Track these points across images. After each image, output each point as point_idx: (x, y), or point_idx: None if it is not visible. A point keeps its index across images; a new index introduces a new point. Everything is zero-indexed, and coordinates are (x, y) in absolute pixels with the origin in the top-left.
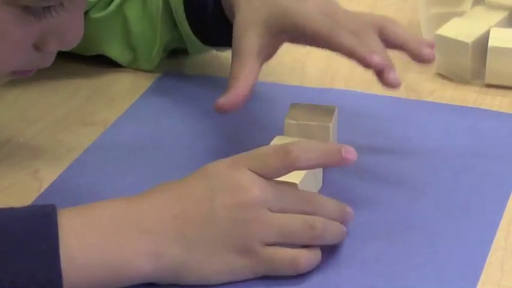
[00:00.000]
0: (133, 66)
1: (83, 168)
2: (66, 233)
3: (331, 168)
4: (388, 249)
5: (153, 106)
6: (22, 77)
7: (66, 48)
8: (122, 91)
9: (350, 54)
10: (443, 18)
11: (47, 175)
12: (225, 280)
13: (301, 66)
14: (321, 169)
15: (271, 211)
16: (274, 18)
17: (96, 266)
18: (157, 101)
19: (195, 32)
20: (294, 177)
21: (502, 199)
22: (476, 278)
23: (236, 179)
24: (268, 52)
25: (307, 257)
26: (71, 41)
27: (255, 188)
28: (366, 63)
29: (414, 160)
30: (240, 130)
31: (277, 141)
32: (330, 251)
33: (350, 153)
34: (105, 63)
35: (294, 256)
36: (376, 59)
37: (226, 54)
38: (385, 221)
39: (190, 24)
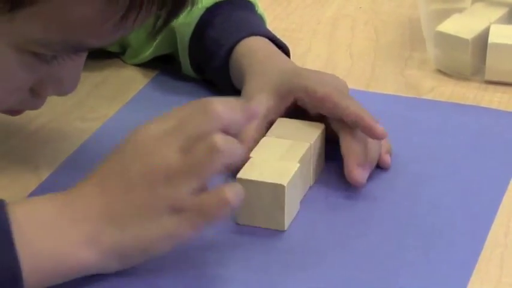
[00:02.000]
0: (119, 55)
1: (80, 162)
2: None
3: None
4: (380, 246)
5: (151, 101)
6: (11, 115)
7: (60, 95)
8: (122, 87)
9: (356, 121)
10: (443, 15)
11: (47, 171)
12: (168, 246)
13: (301, 64)
14: (309, 169)
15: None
16: (286, 79)
17: (43, 256)
18: (155, 95)
19: (194, 68)
20: (282, 178)
21: (497, 196)
22: (467, 276)
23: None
24: (275, 114)
25: (232, 191)
26: (68, 88)
27: (168, 153)
28: (371, 132)
29: (411, 157)
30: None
31: (262, 144)
32: (322, 246)
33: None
34: (105, 59)
35: (220, 193)
36: (381, 128)
37: None
38: (379, 217)
39: (191, 61)
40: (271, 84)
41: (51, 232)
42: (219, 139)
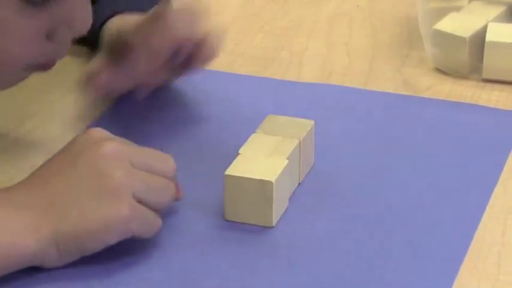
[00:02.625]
0: None
1: None
2: None
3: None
4: (368, 242)
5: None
6: (43, 71)
7: (76, 35)
8: None
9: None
10: (441, 13)
11: None
12: (107, 236)
13: (298, 61)
14: (298, 166)
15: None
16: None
17: None
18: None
19: None
20: (270, 174)
21: (485, 194)
22: (454, 272)
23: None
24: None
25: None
26: (80, 28)
27: (112, 142)
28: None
29: (402, 154)
30: (231, 122)
31: (251, 140)
32: (309, 242)
33: None
34: None
35: (165, 185)
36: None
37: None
38: (366, 214)
39: None
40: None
41: None
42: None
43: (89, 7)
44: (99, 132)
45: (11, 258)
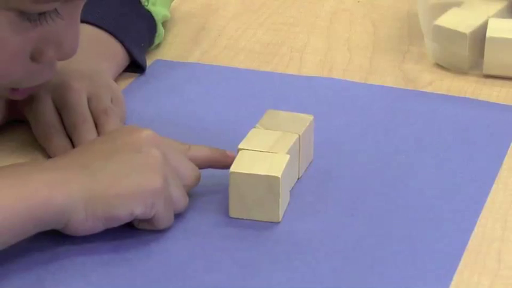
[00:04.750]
0: None
1: None
2: None
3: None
4: (367, 238)
5: (145, 91)
6: (20, 96)
7: (62, 58)
8: (120, 76)
9: None
10: (442, 9)
11: None
12: (128, 210)
13: (299, 57)
14: (297, 161)
15: None
16: None
17: (10, 205)
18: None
19: None
20: (275, 170)
21: (484, 188)
22: (454, 267)
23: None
24: None
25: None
26: (68, 51)
27: (151, 131)
28: None
29: (400, 148)
30: (232, 116)
31: (251, 135)
32: (309, 237)
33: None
34: None
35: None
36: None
37: (221, 44)
38: (366, 208)
39: None
40: None
41: (20, 178)
42: None
43: (78, 31)
44: (136, 125)
45: (41, 210)
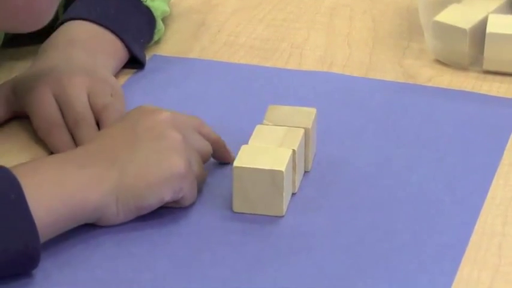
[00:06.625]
0: None
1: None
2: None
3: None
4: (370, 231)
5: (145, 85)
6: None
7: None
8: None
9: None
10: (441, 5)
11: None
12: (158, 197)
13: (299, 52)
14: (306, 153)
15: None
16: None
17: (51, 205)
18: (149, 80)
19: None
20: (278, 164)
21: (485, 182)
22: (456, 263)
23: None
24: None
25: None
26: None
27: (168, 111)
28: None
29: (401, 142)
30: (232, 112)
31: (257, 131)
32: (313, 231)
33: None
34: None
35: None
36: None
37: (221, 39)
38: (369, 202)
39: None
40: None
41: (57, 177)
42: None
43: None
44: (152, 105)
45: (76, 209)
